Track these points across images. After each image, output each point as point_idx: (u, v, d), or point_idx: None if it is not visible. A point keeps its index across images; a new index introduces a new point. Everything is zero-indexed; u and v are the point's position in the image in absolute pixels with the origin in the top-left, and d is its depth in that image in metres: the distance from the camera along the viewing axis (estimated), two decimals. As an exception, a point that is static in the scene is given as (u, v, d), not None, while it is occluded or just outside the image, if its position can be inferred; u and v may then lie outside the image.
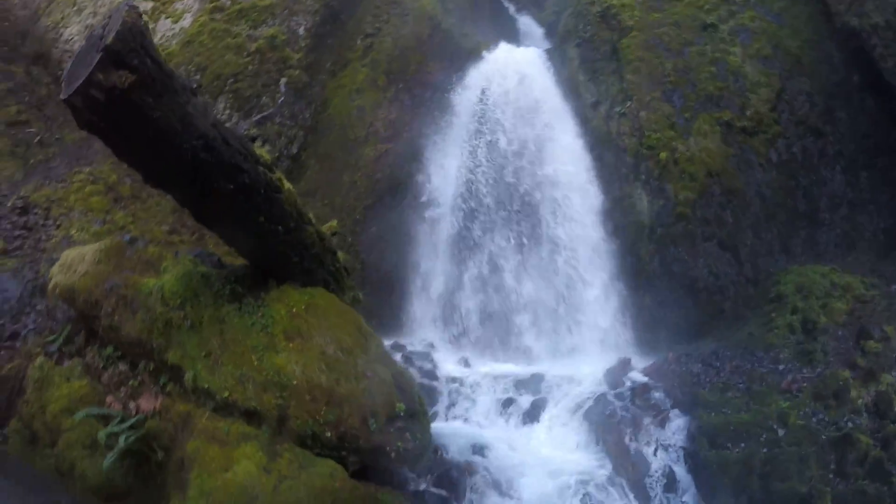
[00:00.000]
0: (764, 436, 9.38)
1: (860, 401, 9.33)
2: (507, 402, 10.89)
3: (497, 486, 8.47)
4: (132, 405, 7.36)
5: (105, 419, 7.27)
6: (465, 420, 10.67)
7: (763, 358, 11.18)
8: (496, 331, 13.51)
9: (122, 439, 6.88)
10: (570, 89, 16.23)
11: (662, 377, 11.15)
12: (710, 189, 13.89)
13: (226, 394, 7.00)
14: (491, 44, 17.50)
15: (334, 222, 11.76)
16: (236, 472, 6.40)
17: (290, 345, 7.16)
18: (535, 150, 14.66)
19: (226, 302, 7.64)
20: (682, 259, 13.53)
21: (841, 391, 9.57)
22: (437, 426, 9.82)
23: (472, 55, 17.10)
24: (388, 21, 17.75)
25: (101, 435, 7.04)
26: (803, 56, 15.54)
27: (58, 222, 12.55)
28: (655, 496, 8.94)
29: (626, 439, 9.74)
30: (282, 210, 7.60)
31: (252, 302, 7.67)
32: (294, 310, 7.53)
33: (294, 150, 15.80)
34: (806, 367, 10.44)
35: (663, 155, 14.10)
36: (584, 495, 8.57)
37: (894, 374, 9.44)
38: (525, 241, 14.01)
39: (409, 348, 12.65)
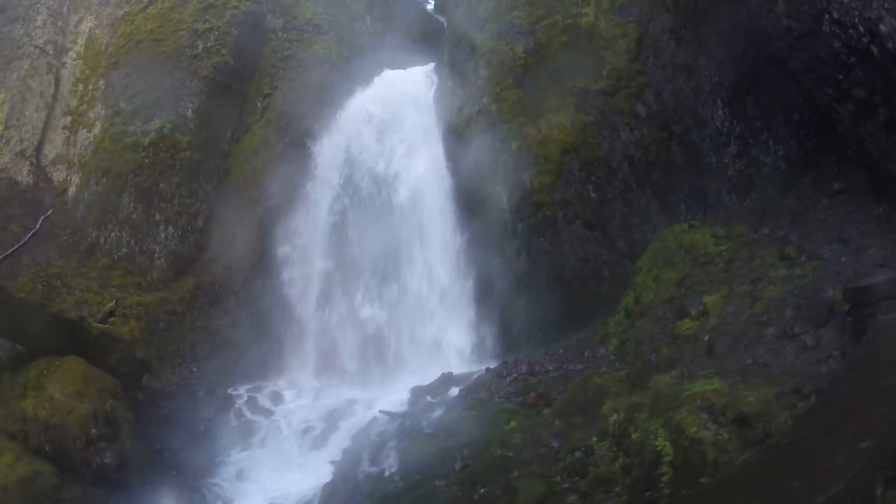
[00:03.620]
0: (444, 469, 8.14)
1: (613, 417, 7.58)
2: (307, 430, 11.56)
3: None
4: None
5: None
6: (265, 448, 11.65)
7: (592, 355, 10.11)
8: (362, 360, 13.48)
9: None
10: (445, 98, 15.81)
11: (467, 393, 10.40)
12: (567, 167, 12.92)
13: (-1, 426, 10.58)
14: (377, 73, 17.44)
15: (112, 303, 12.66)
16: (-1, 467, 9.86)
17: (33, 394, 10.53)
18: (397, 178, 14.44)
19: (6, 372, 11.12)
20: (546, 249, 12.63)
21: (590, 406, 8.00)
22: (239, 455, 11.71)
23: (358, 88, 17.15)
24: (283, 77, 18.28)
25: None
26: (664, -9, 14.12)
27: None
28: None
29: (364, 466, 9.36)
30: (9, 317, 10.75)
31: (23, 371, 11.00)
32: (44, 372, 10.78)
33: (199, 223, 16.60)
34: (613, 366, 9.23)
35: (515, 144, 13.35)
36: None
37: (674, 374, 7.69)
38: (387, 271, 13.80)
39: (269, 388, 13.46)
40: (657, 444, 6.35)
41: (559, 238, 12.36)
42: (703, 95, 13.12)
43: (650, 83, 13.23)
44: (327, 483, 9.72)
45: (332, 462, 10.30)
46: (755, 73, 12.78)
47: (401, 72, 17.13)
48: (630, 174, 12.53)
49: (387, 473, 9.12)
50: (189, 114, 17.01)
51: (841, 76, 10.00)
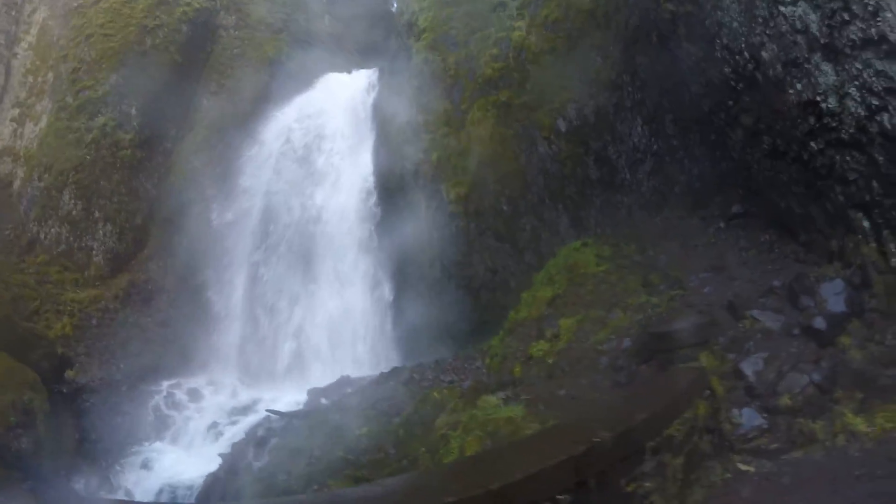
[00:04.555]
0: (294, 466, 8.59)
1: (441, 431, 7.48)
2: (213, 426, 12.33)
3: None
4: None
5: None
6: (176, 441, 12.49)
7: (469, 367, 10.31)
8: (279, 360, 13.72)
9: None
10: (382, 106, 15.92)
11: (345, 397, 10.74)
12: (482, 180, 13.01)
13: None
14: (322, 76, 17.57)
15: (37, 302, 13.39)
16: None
17: (-39, 386, 10.89)
18: (324, 184, 14.61)
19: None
20: (458, 260, 12.77)
21: (429, 418, 8.08)
22: (151, 447, 12.56)
23: (300, 91, 17.28)
24: (231, 76, 18.41)
25: None
26: (597, 9, 14.15)
27: None
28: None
29: (247, 459, 9.95)
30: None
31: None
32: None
33: (138, 220, 16.79)
34: (481, 380, 9.40)
35: (435, 155, 13.46)
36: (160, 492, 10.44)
37: (500, 395, 7.74)
38: (308, 272, 14.02)
39: (189, 384, 14.04)
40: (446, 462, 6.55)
41: (470, 248, 12.52)
42: (623, 112, 13.15)
43: (574, 99, 13.26)
44: (211, 473, 10.36)
45: (220, 454, 10.91)
46: (676, 92, 12.79)
47: (345, 76, 17.24)
48: (543, 188, 12.62)
49: (254, 467, 9.62)
50: (133, 112, 17.17)
51: (731, 102, 10.05)
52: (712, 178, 12.47)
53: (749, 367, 6.97)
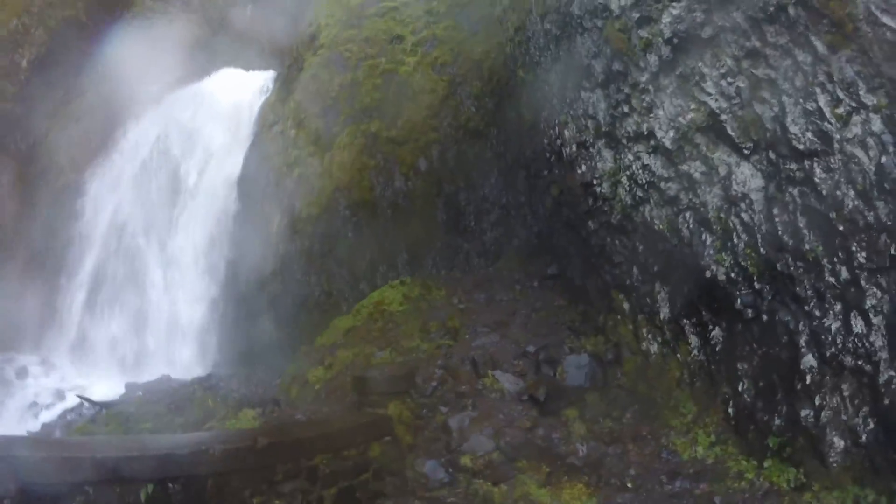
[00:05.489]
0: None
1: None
2: (33, 406, 12.56)
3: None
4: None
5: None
6: None
7: (268, 384, 10.66)
8: (112, 350, 13.84)
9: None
10: (267, 111, 16.22)
11: (150, 394, 11.11)
12: (335, 204, 13.38)
13: None
14: (222, 68, 17.74)
15: None
16: None
17: None
18: (189, 176, 14.81)
19: None
20: (298, 277, 13.09)
21: (201, 423, 8.53)
22: None
23: (193, 82, 17.40)
24: (132, 48, 18.30)
25: None
26: (485, 60, 14.72)
27: None
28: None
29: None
30: None
31: None
32: None
33: (4, 179, 16.59)
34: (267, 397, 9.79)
35: (297, 171, 13.80)
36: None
37: (258, 410, 8.15)
38: (151, 277, 14.22)
39: (20, 361, 14.06)
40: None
41: (311, 268, 12.84)
42: (483, 161, 13.70)
43: (439, 140, 13.77)
44: None
45: (28, 432, 10.97)
46: (531, 150, 13.41)
47: (242, 73, 17.44)
48: (391, 221, 13.04)
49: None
50: (24, 63, 16.98)
51: (546, 171, 10.65)
52: (547, 236, 13.06)
53: (455, 423, 7.41)
